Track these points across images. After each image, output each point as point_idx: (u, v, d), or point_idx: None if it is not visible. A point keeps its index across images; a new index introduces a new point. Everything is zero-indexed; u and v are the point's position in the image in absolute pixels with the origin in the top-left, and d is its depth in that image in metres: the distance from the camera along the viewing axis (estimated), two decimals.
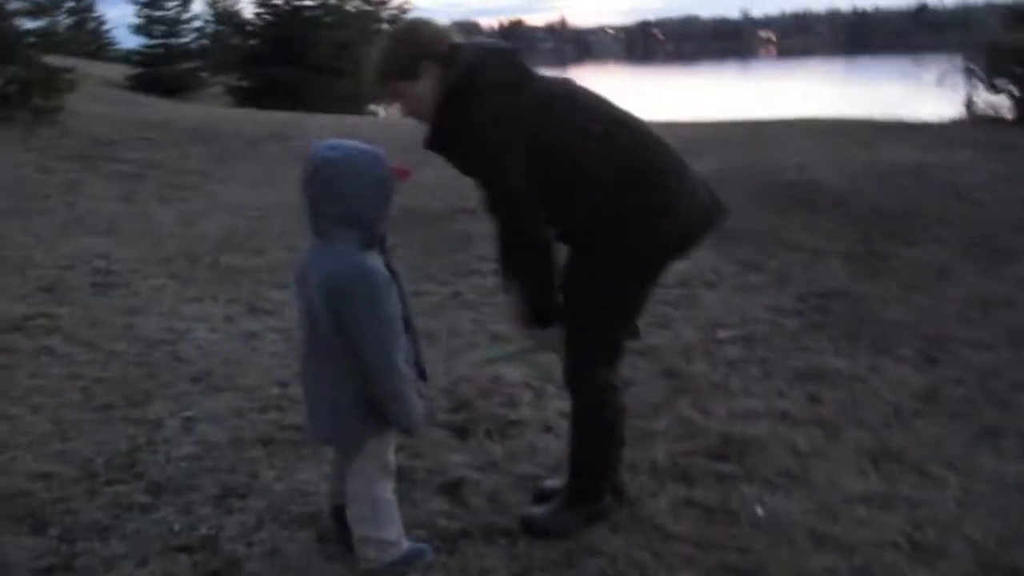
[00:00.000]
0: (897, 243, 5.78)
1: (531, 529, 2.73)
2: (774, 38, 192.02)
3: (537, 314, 2.61)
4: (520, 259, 2.55)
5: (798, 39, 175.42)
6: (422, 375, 2.53)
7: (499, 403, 3.70)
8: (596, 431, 2.75)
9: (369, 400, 2.36)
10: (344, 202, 2.26)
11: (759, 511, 2.82)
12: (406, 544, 2.56)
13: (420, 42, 2.52)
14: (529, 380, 3.90)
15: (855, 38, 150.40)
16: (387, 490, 2.52)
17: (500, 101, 2.44)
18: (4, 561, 2.65)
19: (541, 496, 2.93)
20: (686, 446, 3.29)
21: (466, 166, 2.52)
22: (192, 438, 3.47)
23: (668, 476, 3.07)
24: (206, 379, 4.06)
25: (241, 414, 3.66)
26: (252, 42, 28.22)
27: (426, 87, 2.49)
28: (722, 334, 4.36)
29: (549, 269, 2.52)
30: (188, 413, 3.68)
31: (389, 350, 2.30)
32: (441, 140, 2.51)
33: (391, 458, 2.52)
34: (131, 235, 6.83)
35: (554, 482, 2.97)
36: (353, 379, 2.33)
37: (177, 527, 2.83)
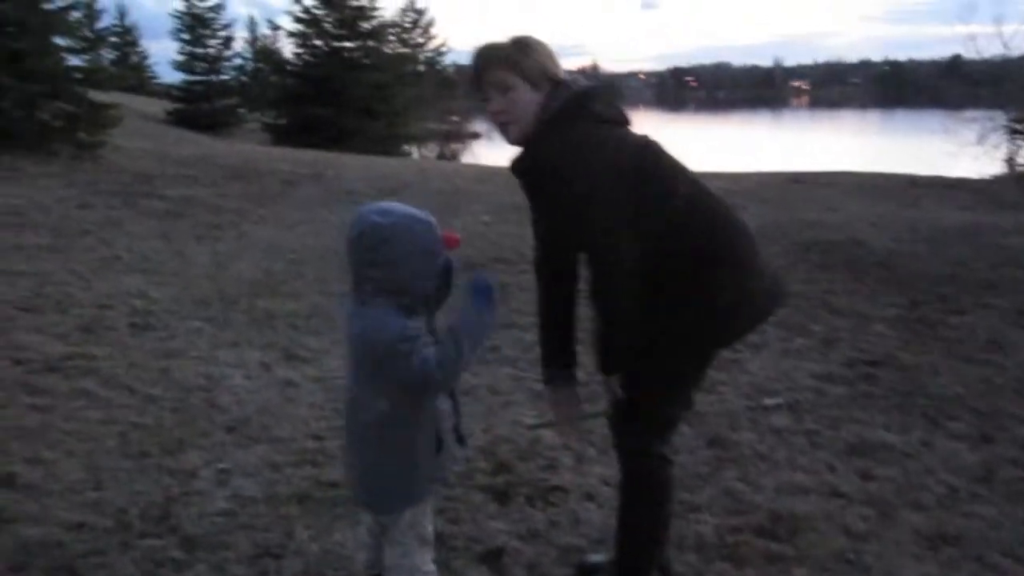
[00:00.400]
0: (945, 309, 5.64)
1: None
2: (807, 88, 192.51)
3: (610, 356, 2.44)
4: (612, 294, 2.33)
5: (831, 89, 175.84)
6: (460, 440, 2.43)
7: (540, 467, 3.61)
8: (648, 505, 2.65)
9: (412, 467, 2.28)
10: (387, 270, 2.16)
11: None
12: None
13: (548, 56, 2.40)
14: (569, 444, 3.81)
15: (889, 90, 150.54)
16: (426, 562, 2.43)
17: (608, 133, 2.34)
18: None
19: (583, 571, 2.83)
20: (733, 521, 3.18)
21: (558, 194, 2.32)
22: (226, 492, 3.41)
23: (716, 554, 2.96)
24: (241, 429, 4.01)
25: (276, 468, 3.60)
26: (290, 81, 28.68)
27: (534, 100, 2.36)
28: (768, 401, 4.25)
29: (636, 309, 2.33)
30: (223, 465, 3.63)
31: (435, 387, 2.19)
32: (534, 164, 2.37)
33: (430, 529, 2.44)
34: (168, 275, 6.85)
35: (598, 557, 2.87)
36: (397, 444, 2.26)
37: None
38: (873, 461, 3.66)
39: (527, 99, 2.34)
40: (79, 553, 2.94)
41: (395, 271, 2.16)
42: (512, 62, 2.34)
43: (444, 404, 2.33)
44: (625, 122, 2.43)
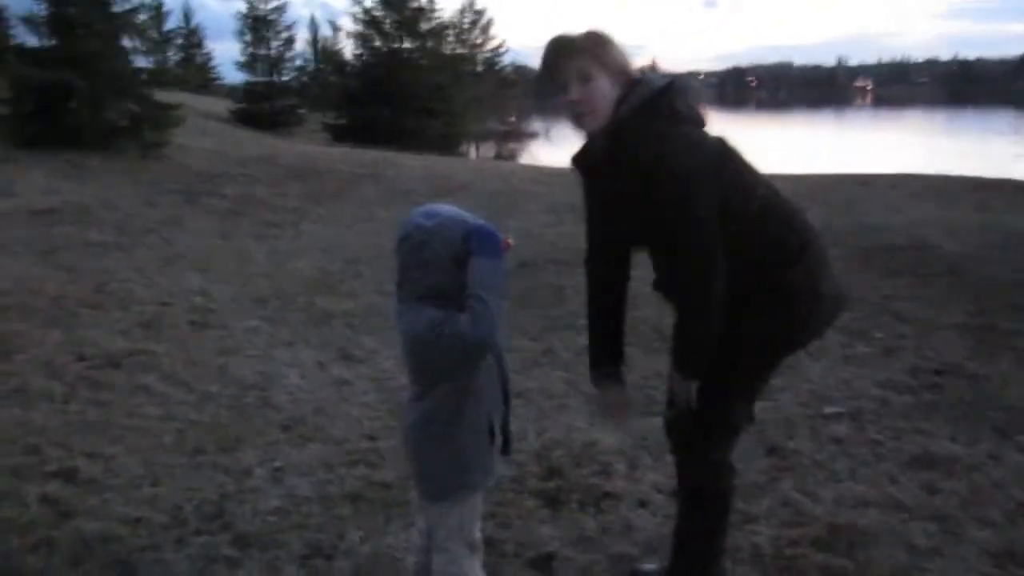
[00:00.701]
0: (1017, 317, 5.43)
1: None
2: (870, 87, 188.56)
3: (694, 356, 2.35)
4: (699, 295, 2.24)
5: (896, 88, 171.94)
6: (507, 444, 2.37)
7: (593, 472, 3.57)
8: (708, 514, 2.59)
9: (460, 458, 2.26)
10: (429, 273, 2.13)
11: None
12: None
13: (623, 51, 2.34)
14: (623, 448, 3.76)
15: (957, 88, 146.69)
16: (474, 568, 2.40)
17: (690, 131, 2.29)
18: None
19: None
20: (791, 533, 3.09)
21: (644, 190, 2.23)
22: (280, 490, 3.43)
23: (772, 567, 2.88)
24: (296, 427, 4.04)
25: (330, 467, 3.62)
26: (350, 81, 29.01)
27: (612, 94, 2.28)
28: (828, 410, 4.13)
29: (718, 311, 2.26)
30: (277, 463, 3.65)
31: (476, 346, 2.10)
32: (615, 158, 2.29)
33: (477, 535, 2.41)
34: (227, 272, 6.96)
35: (651, 566, 2.81)
36: (444, 438, 2.24)
37: None
38: (938, 474, 3.53)
39: (606, 91, 2.28)
40: (135, 548, 2.99)
41: (436, 275, 2.13)
42: (593, 53, 2.28)
43: (494, 393, 2.29)
44: (703, 123, 2.37)
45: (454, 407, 2.22)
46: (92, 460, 3.62)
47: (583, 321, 5.42)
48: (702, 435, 2.50)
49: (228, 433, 3.96)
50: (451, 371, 2.17)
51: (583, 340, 5.17)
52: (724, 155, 2.31)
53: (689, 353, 2.34)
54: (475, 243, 2.12)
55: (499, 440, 2.32)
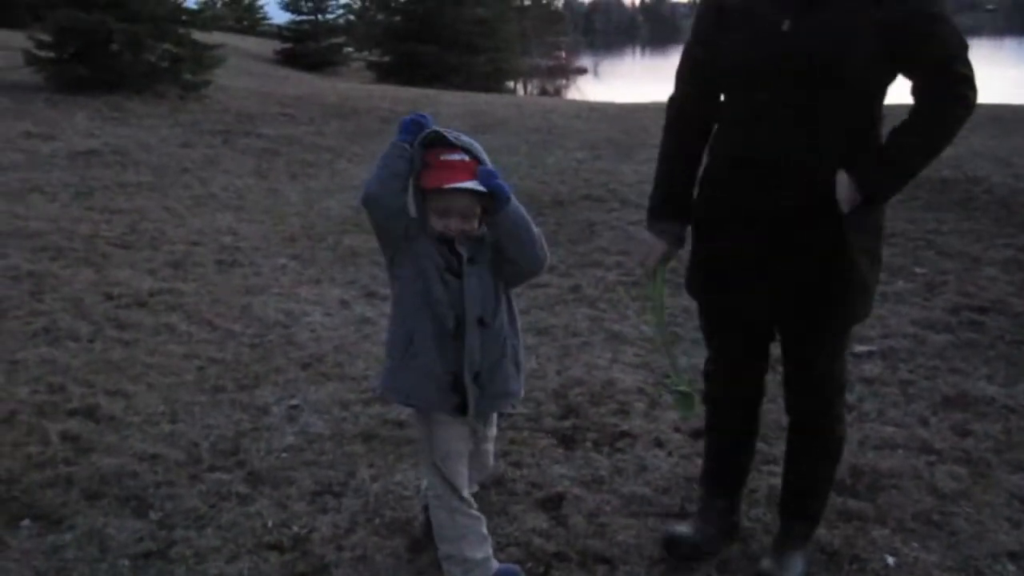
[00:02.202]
0: None
1: None
2: None
3: (899, 181, 2.17)
4: (959, 122, 2.07)
5: (963, 17, 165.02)
6: (456, 384, 2.24)
7: (610, 411, 3.50)
8: (836, 461, 2.50)
9: (387, 366, 2.36)
10: None
11: (890, 560, 2.52)
12: (495, 565, 2.40)
13: None
14: (645, 387, 3.68)
15: None
16: (462, 506, 2.34)
17: None
18: (106, 544, 2.67)
19: (672, 543, 2.57)
20: None
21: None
22: (295, 428, 3.43)
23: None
24: (316, 366, 4.03)
25: (346, 405, 3.61)
26: (394, 18, 28.65)
27: None
28: (860, 348, 3.98)
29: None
30: (294, 401, 3.66)
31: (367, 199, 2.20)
32: None
33: (452, 471, 2.31)
34: (259, 212, 6.96)
35: (684, 529, 2.60)
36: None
37: (270, 523, 2.78)
38: (972, 415, 3.39)
39: None
40: (150, 484, 3.01)
41: None
42: None
43: (419, 320, 2.23)
44: None
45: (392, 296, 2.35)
46: (113, 398, 3.65)
47: (613, 258, 5.36)
48: (841, 366, 2.36)
49: (248, 371, 3.97)
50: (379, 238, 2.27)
51: (612, 276, 5.13)
52: None
53: (904, 175, 2.13)
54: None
55: (437, 377, 2.24)
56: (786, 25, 2.03)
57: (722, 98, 2.25)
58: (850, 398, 3.54)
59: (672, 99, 2.36)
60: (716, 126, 2.28)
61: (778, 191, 2.11)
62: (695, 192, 2.35)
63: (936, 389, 3.60)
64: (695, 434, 3.20)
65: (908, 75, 2.07)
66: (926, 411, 3.43)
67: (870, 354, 3.94)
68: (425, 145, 2.14)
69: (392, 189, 2.14)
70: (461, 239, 2.20)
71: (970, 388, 3.58)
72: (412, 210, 2.20)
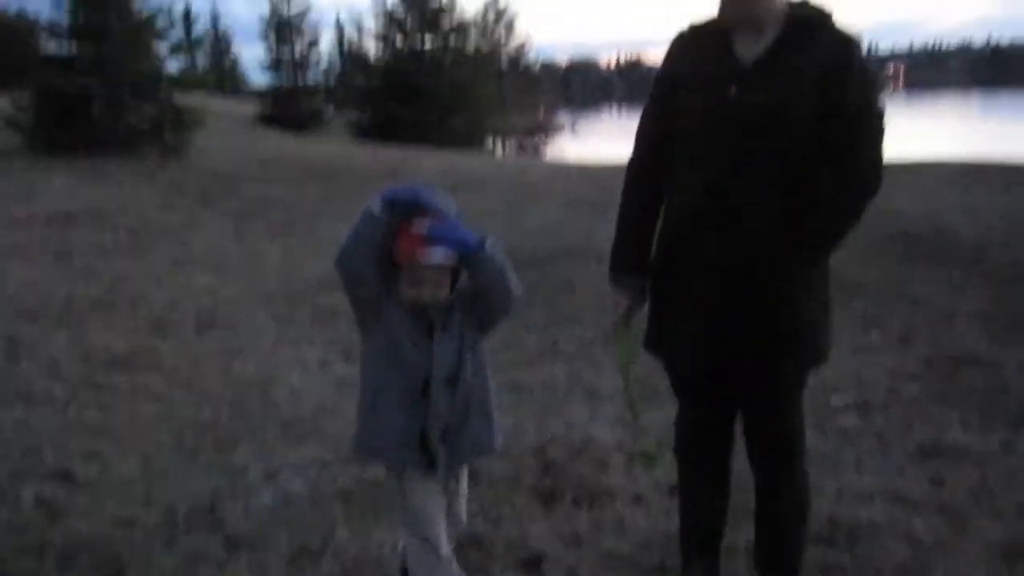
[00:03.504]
0: None
1: None
2: (902, 72, 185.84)
3: (825, 251, 2.27)
4: (862, 200, 2.18)
5: (928, 73, 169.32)
6: (424, 441, 2.25)
7: (589, 468, 3.50)
8: (807, 511, 2.53)
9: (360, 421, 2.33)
10: None
11: None
12: None
13: None
14: (622, 444, 3.69)
15: (989, 72, 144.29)
16: (440, 565, 2.31)
17: None
18: None
19: None
20: None
21: (806, 82, 2.12)
22: (273, 489, 3.40)
23: None
24: (294, 426, 4.01)
25: (324, 466, 3.58)
26: (373, 80, 29.08)
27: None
28: (836, 400, 4.02)
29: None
30: (272, 462, 3.63)
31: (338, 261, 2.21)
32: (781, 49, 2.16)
33: (428, 529, 2.30)
34: (238, 272, 6.97)
35: None
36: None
37: None
38: (947, 465, 3.42)
39: None
40: (125, 548, 2.96)
41: None
42: None
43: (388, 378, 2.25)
44: None
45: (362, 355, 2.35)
46: (89, 461, 3.61)
47: (591, 315, 5.39)
48: (801, 420, 2.43)
49: (226, 432, 3.94)
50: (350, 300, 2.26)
51: (590, 333, 5.16)
52: None
53: (827, 246, 2.24)
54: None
55: (404, 434, 2.25)
56: (733, 91, 2.16)
57: (676, 158, 2.33)
58: (826, 449, 3.57)
59: (631, 160, 2.47)
60: (670, 184, 2.36)
61: (728, 245, 2.20)
62: (653, 248, 2.44)
63: (911, 439, 3.63)
64: (674, 490, 3.20)
65: (826, 145, 2.17)
66: (902, 461, 3.46)
67: (846, 406, 3.97)
68: (399, 212, 2.18)
69: (361, 255, 2.16)
70: (432, 307, 2.23)
71: (945, 437, 3.61)
72: (382, 277, 2.23)
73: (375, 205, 2.14)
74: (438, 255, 2.14)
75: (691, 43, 2.32)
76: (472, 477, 3.10)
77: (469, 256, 2.16)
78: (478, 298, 2.24)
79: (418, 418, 2.24)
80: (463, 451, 2.33)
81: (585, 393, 4.30)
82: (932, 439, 3.61)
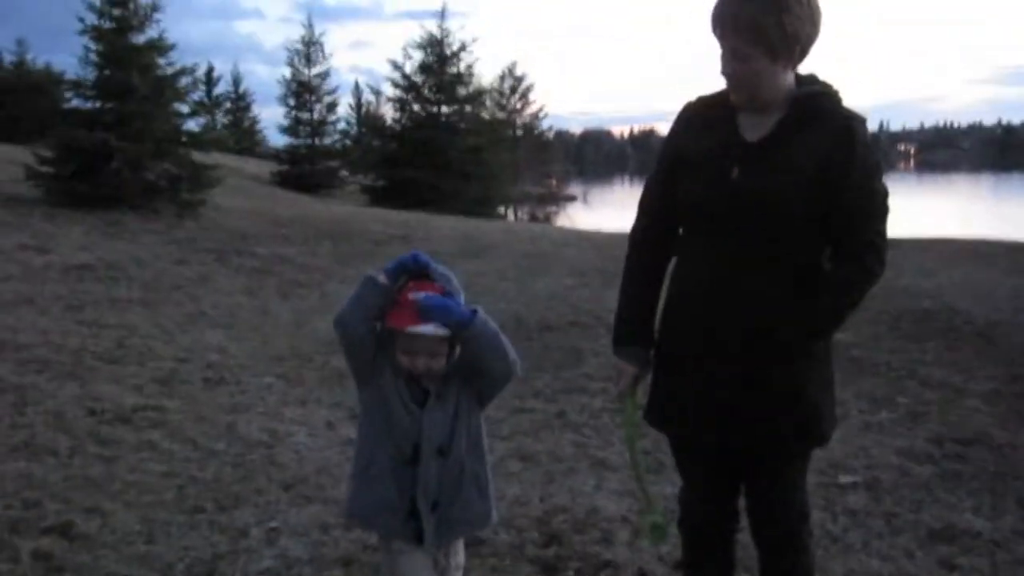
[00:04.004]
0: None
1: None
2: (913, 151, 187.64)
3: (830, 328, 2.28)
4: (865, 283, 2.19)
5: (939, 153, 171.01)
6: (414, 511, 2.24)
7: (593, 539, 3.45)
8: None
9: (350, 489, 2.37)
10: None
11: None
12: None
13: (819, 19, 2.14)
14: (629, 515, 3.64)
15: (1000, 152, 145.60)
16: None
17: None
18: None
19: None
20: None
21: (813, 158, 2.12)
22: (274, 551, 3.37)
23: None
24: (298, 487, 3.98)
25: (326, 529, 3.55)
26: (389, 144, 29.46)
27: (784, 80, 2.19)
28: (844, 479, 3.98)
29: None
30: (274, 523, 3.59)
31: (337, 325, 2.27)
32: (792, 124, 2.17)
33: None
34: (248, 330, 6.99)
35: None
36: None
37: None
38: (958, 549, 3.36)
39: (777, 75, 2.18)
40: None
41: None
42: (766, 44, 2.15)
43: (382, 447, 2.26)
44: None
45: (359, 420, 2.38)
46: (89, 516, 3.59)
47: (599, 384, 5.38)
48: (804, 521, 2.43)
49: (229, 491, 3.91)
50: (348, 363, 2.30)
51: (597, 402, 5.14)
52: None
53: (827, 329, 2.26)
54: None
55: (393, 503, 2.24)
56: (735, 173, 2.17)
57: (680, 232, 2.35)
58: (835, 529, 3.52)
59: (634, 229, 2.47)
60: (674, 260, 2.38)
61: (730, 325, 2.19)
62: (656, 322, 2.43)
63: (921, 522, 3.57)
64: (678, 565, 3.15)
65: (828, 227, 2.19)
66: (912, 544, 3.40)
67: (854, 485, 3.93)
68: (401, 276, 2.21)
69: (358, 318, 2.19)
70: (427, 377, 2.23)
71: (956, 521, 3.56)
72: (379, 342, 2.25)
73: (379, 275, 2.18)
74: (429, 328, 2.15)
75: (697, 116, 2.33)
76: (473, 547, 3.08)
77: (460, 330, 2.17)
78: (474, 368, 2.24)
79: (407, 487, 2.23)
80: (455, 525, 2.29)
81: (592, 463, 4.26)
82: (942, 522, 3.55)
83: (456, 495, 2.26)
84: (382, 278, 2.18)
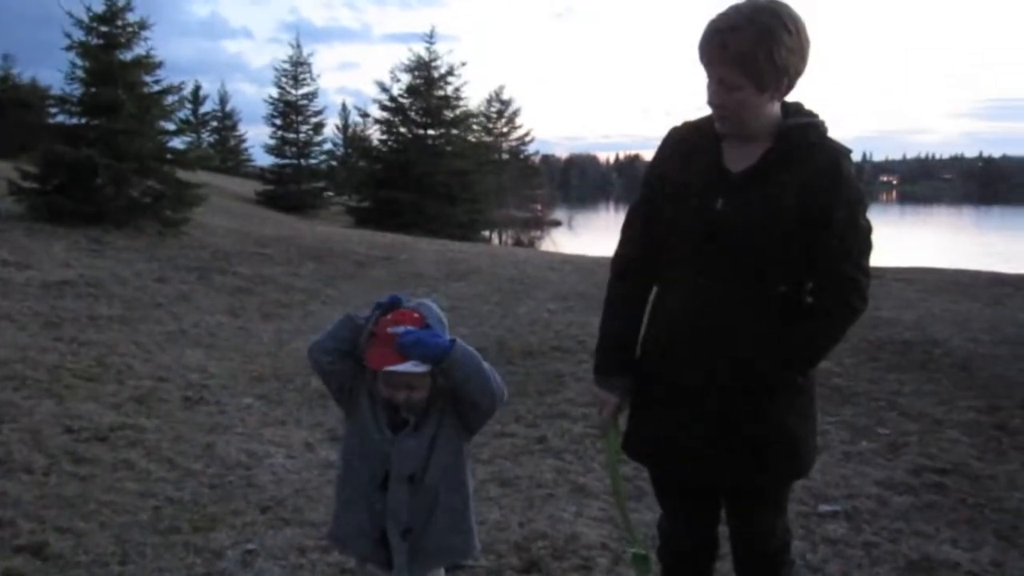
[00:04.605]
0: None
1: None
2: (895, 183, 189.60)
3: (814, 362, 2.26)
4: (849, 317, 2.18)
5: (921, 184, 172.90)
6: (382, 541, 2.23)
7: (573, 566, 3.43)
8: None
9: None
10: None
11: None
12: None
13: (808, 52, 2.13)
14: (608, 542, 3.63)
15: (981, 185, 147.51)
16: None
17: None
18: None
19: None
20: None
21: (797, 194, 2.11)
22: (250, 573, 3.33)
23: None
24: (275, 509, 3.94)
25: (303, 552, 3.51)
26: (375, 165, 29.52)
27: (771, 110, 2.18)
28: (824, 508, 3.98)
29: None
30: (250, 545, 3.55)
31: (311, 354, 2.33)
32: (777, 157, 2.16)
33: None
34: (229, 350, 6.95)
35: None
36: None
37: None
38: None
39: (762, 107, 2.16)
40: None
41: None
42: (752, 74, 2.14)
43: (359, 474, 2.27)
44: None
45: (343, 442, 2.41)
46: (63, 535, 3.54)
47: (581, 410, 5.37)
48: (785, 550, 2.44)
49: (206, 512, 3.87)
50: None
51: (579, 428, 5.13)
52: None
53: (810, 363, 2.24)
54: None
55: (365, 529, 2.25)
56: (719, 204, 2.17)
57: (662, 260, 2.32)
58: (814, 559, 3.52)
59: (616, 256, 2.44)
60: (655, 289, 2.37)
61: (710, 357, 2.18)
62: (637, 352, 2.41)
63: (900, 552, 3.57)
64: None
65: (811, 261, 2.18)
66: (891, 575, 3.40)
67: (834, 514, 3.93)
68: (380, 311, 2.20)
69: (328, 348, 2.22)
70: (407, 408, 2.22)
71: (934, 552, 3.56)
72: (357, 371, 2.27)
73: (358, 316, 2.21)
74: (407, 366, 2.14)
75: (683, 143, 2.30)
76: (451, 572, 3.06)
77: (438, 363, 2.15)
78: (457, 396, 2.23)
79: (377, 515, 2.22)
80: (429, 555, 2.27)
81: (572, 489, 4.24)
82: (921, 553, 3.55)
83: (429, 525, 2.24)
84: (360, 318, 2.20)
